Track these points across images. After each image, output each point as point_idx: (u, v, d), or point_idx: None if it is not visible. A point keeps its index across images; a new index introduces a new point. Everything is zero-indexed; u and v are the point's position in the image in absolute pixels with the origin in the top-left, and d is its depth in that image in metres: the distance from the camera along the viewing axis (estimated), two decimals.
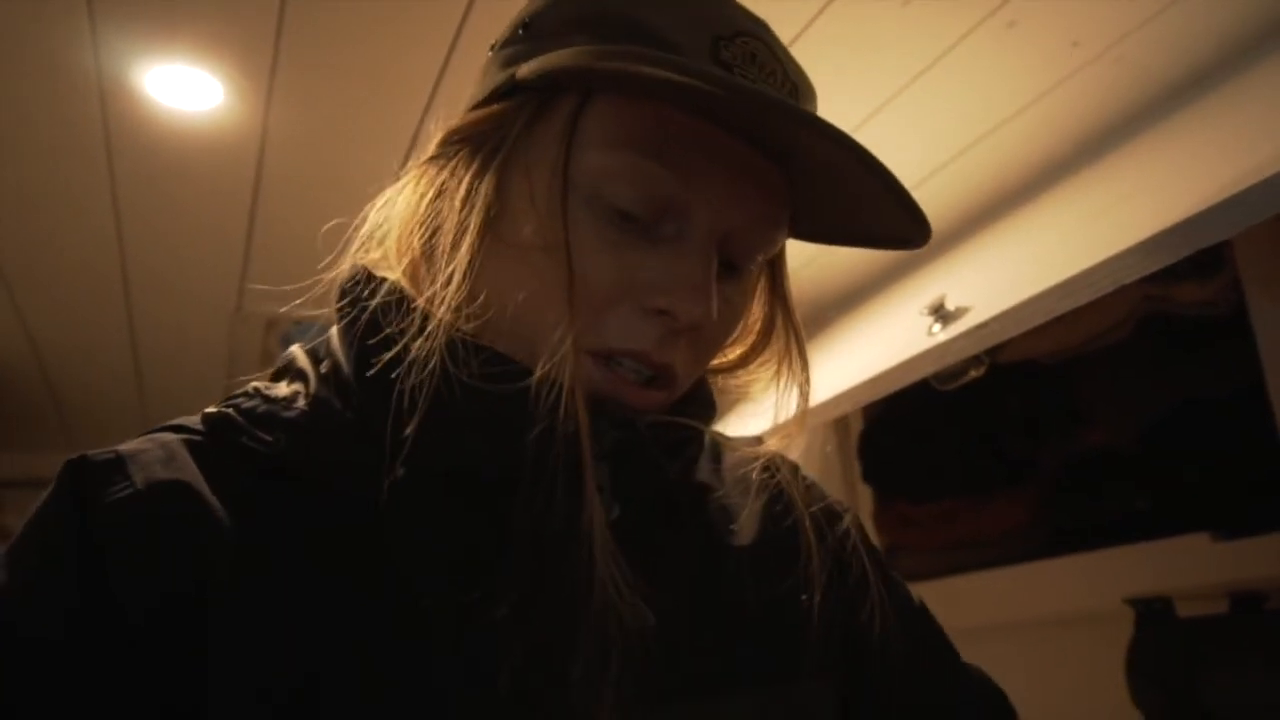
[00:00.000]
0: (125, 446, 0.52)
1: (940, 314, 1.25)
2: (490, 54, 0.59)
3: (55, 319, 2.02)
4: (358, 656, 0.48)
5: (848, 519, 0.70)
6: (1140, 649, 1.36)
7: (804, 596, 0.61)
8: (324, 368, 0.55)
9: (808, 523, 0.64)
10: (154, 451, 0.52)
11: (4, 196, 1.53)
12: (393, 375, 0.50)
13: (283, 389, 0.55)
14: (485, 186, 0.53)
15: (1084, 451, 1.52)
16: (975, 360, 1.20)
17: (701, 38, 0.52)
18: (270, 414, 0.53)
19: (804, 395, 0.62)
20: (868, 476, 1.93)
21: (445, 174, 0.56)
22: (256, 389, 0.55)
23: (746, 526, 0.63)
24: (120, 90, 1.28)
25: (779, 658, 0.59)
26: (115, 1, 1.12)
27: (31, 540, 0.49)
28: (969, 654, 0.70)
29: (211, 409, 0.55)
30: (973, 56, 1.23)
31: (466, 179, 0.54)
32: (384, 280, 0.55)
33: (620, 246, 0.52)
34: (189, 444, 0.53)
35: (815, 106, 0.59)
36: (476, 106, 0.57)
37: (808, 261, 1.76)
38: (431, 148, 0.58)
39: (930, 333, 1.24)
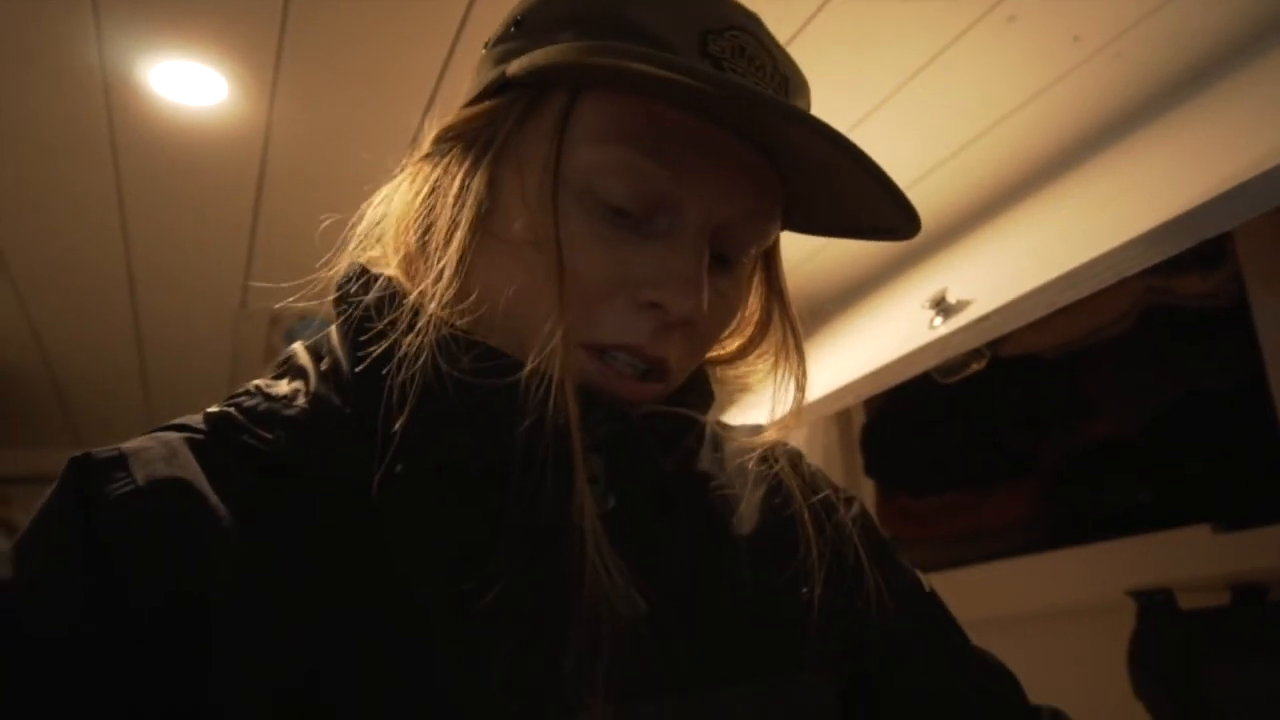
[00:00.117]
0: (128, 444, 0.52)
1: (942, 307, 1.26)
2: (484, 51, 0.59)
3: (60, 315, 2.02)
4: (358, 653, 0.48)
5: (855, 507, 0.70)
6: (1142, 641, 1.37)
7: (804, 590, 0.61)
8: (324, 365, 0.55)
9: (806, 514, 0.64)
10: (156, 449, 0.52)
11: (9, 193, 1.53)
12: (383, 372, 0.51)
13: (283, 387, 0.55)
14: (477, 183, 0.54)
15: (1085, 444, 1.52)
16: (977, 353, 1.21)
17: (690, 32, 0.52)
18: (271, 412, 0.53)
19: (800, 387, 0.62)
20: (870, 470, 1.93)
21: (439, 171, 0.56)
22: (258, 387, 0.56)
23: (747, 517, 0.63)
24: (125, 86, 1.29)
25: (777, 650, 0.59)
26: None
27: (37, 536, 0.50)
28: None
29: (213, 408, 0.55)
30: (973, 52, 1.23)
31: (459, 176, 0.54)
32: (378, 277, 0.55)
33: (612, 241, 0.52)
34: (191, 442, 0.53)
35: (808, 99, 0.59)
36: (469, 104, 0.57)
37: (809, 256, 1.77)
38: (426, 145, 0.58)
39: (932, 326, 1.25)
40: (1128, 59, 1.23)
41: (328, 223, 0.60)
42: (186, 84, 1.29)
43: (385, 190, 0.59)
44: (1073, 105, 1.34)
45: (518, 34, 0.56)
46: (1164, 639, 1.35)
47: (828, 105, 0.48)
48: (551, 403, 0.49)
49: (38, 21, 1.15)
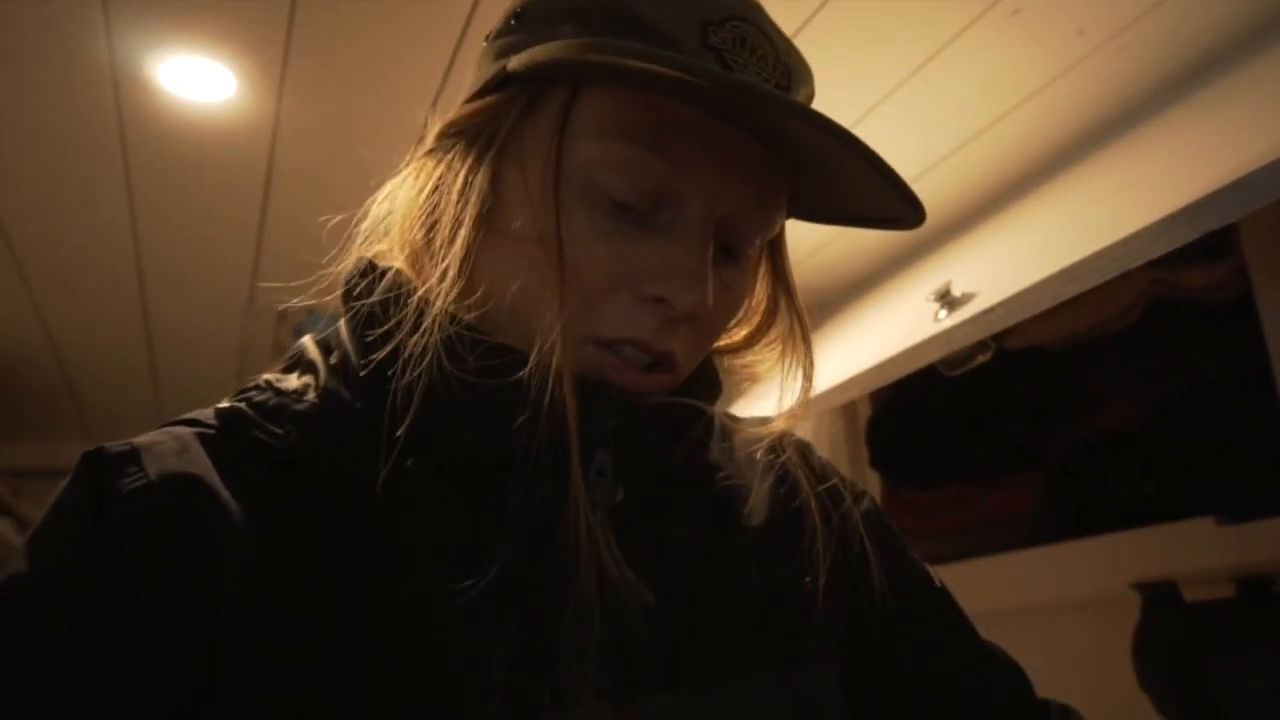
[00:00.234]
0: (140, 439, 0.52)
1: (947, 300, 1.26)
2: (485, 44, 0.59)
3: (71, 312, 2.03)
4: (361, 649, 0.48)
5: (866, 501, 0.70)
6: (1147, 634, 1.37)
7: (807, 579, 0.61)
8: (334, 359, 0.55)
9: (813, 504, 0.64)
10: (168, 444, 0.52)
11: (20, 189, 1.54)
12: (389, 373, 0.51)
13: (293, 381, 0.55)
14: (480, 180, 0.54)
15: (1090, 436, 1.51)
16: (982, 346, 1.21)
17: (691, 23, 0.52)
18: (281, 407, 0.53)
19: (808, 376, 0.61)
20: (875, 463, 1.93)
21: (443, 167, 0.56)
22: (268, 381, 0.56)
23: (756, 508, 0.63)
24: (134, 81, 1.29)
25: (783, 641, 0.59)
26: None
27: (51, 530, 0.50)
28: None
29: (224, 403, 0.55)
30: (977, 46, 1.23)
31: (462, 173, 0.54)
32: (386, 273, 0.55)
33: (616, 236, 0.52)
34: (202, 437, 0.53)
35: (811, 87, 0.59)
36: (471, 98, 0.57)
37: (815, 250, 1.77)
38: (429, 140, 0.58)
39: (937, 319, 1.25)
40: (1132, 52, 1.23)
41: (335, 220, 0.60)
42: (195, 80, 1.30)
43: (390, 185, 0.59)
44: (1077, 99, 1.34)
45: (518, 27, 0.56)
46: (1168, 631, 1.35)
47: (830, 101, 0.48)
48: (547, 397, 0.49)
49: (48, 18, 1.16)
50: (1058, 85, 1.31)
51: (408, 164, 0.59)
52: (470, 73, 0.60)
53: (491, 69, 0.56)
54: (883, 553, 0.66)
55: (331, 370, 0.55)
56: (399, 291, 0.54)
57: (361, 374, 0.52)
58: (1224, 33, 1.19)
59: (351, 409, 0.53)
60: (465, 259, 0.52)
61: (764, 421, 0.66)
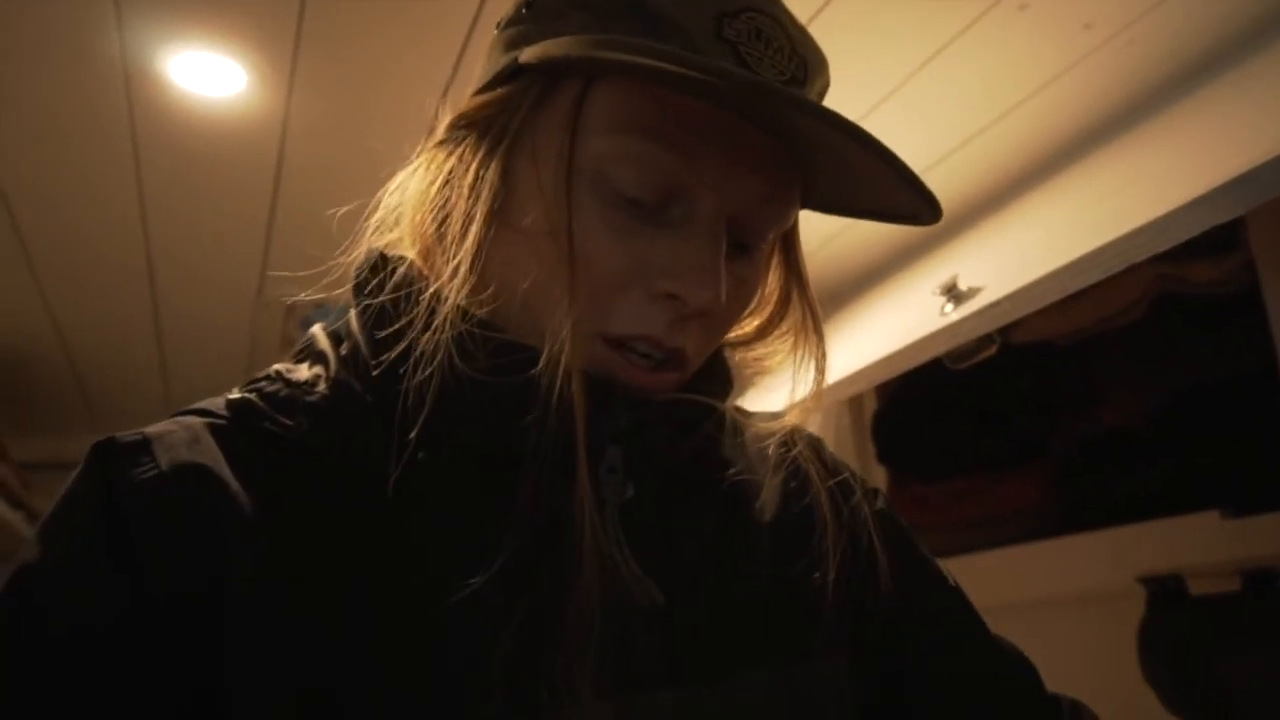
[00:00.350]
0: (151, 429, 0.52)
1: (953, 294, 1.26)
2: (496, 33, 0.59)
3: (80, 306, 2.04)
4: (366, 644, 0.49)
5: (879, 500, 0.70)
6: (1152, 627, 1.37)
7: (817, 575, 0.61)
8: (344, 349, 0.55)
9: (824, 499, 0.63)
10: (179, 434, 0.52)
11: (31, 184, 1.55)
12: (400, 370, 0.51)
13: (304, 372, 0.55)
14: (491, 174, 0.53)
15: (1096, 430, 1.52)
16: (988, 339, 1.21)
17: (705, 15, 0.51)
18: (292, 398, 0.53)
19: (820, 368, 0.61)
20: (882, 457, 1.93)
21: (454, 160, 0.56)
22: (278, 372, 0.56)
23: (768, 504, 0.63)
24: (145, 76, 1.30)
25: (793, 637, 0.59)
26: None
27: (61, 519, 0.50)
28: None
29: (234, 393, 0.55)
30: (983, 41, 1.22)
31: (474, 166, 0.54)
32: (397, 266, 0.55)
33: (627, 232, 0.52)
34: (213, 427, 0.53)
35: (827, 78, 0.58)
36: (482, 89, 0.57)
37: (822, 244, 1.77)
38: (440, 132, 0.58)
39: (943, 312, 1.25)
40: (1139, 47, 1.23)
41: (344, 210, 0.60)
42: (206, 74, 1.30)
43: (401, 177, 0.59)
44: (1083, 94, 1.34)
45: (529, 15, 0.56)
46: (1174, 625, 1.35)
47: (837, 95, 0.48)
48: (556, 393, 0.49)
49: (59, 12, 1.17)
50: (1064, 80, 1.30)
51: (419, 155, 0.59)
52: (480, 62, 0.60)
53: (503, 60, 0.56)
54: (894, 552, 0.66)
55: (343, 361, 0.55)
56: (410, 289, 0.53)
57: (374, 373, 0.52)
58: (1230, 28, 1.19)
59: (363, 401, 0.53)
60: (477, 255, 0.52)
61: (775, 416, 0.65)
